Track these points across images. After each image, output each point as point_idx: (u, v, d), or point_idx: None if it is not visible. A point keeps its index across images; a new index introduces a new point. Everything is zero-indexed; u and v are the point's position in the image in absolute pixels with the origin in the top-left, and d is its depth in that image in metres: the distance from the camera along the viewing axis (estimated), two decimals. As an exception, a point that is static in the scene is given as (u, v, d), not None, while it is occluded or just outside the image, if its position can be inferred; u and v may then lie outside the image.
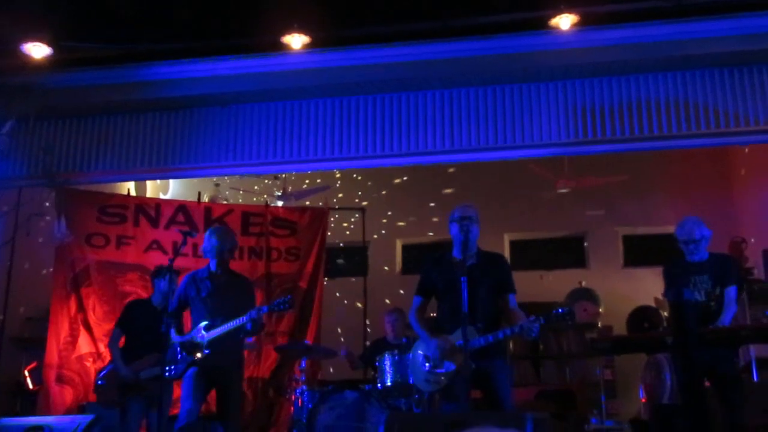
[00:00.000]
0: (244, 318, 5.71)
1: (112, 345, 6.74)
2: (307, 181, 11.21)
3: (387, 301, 9.55)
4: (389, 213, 11.09)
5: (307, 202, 10.60)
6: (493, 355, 5.13)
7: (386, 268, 11.00)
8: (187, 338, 5.89)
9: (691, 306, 5.75)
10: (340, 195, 11.00)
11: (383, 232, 11.05)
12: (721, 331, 5.44)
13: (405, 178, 10.85)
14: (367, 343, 8.58)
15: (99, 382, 6.68)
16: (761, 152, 8.80)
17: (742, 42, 6.38)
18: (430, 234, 10.81)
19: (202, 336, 5.82)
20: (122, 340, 6.70)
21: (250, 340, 7.17)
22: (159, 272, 6.73)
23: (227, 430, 5.78)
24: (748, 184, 9.75)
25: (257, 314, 5.71)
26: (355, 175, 11.16)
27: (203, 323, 5.87)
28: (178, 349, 5.91)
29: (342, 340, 9.40)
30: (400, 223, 11.10)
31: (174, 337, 5.95)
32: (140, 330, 6.50)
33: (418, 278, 5.60)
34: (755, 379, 7.39)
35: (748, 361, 7.54)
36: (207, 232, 6.22)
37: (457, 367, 5.07)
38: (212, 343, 5.79)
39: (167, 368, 5.84)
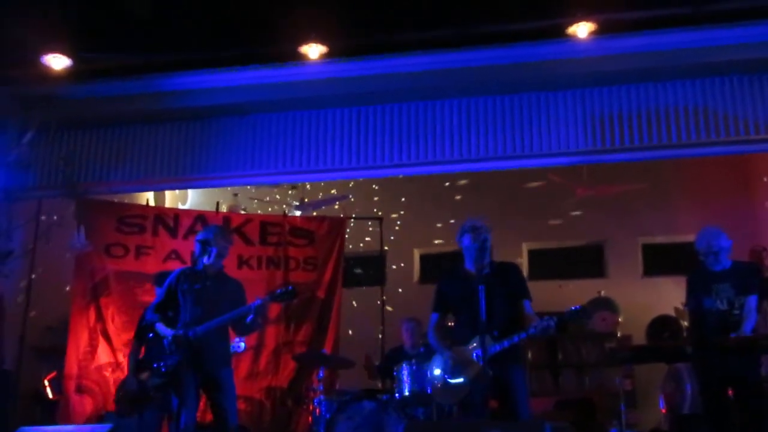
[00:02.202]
0: (245, 308, 5.64)
1: (130, 356, 6.76)
2: (332, 191, 11.21)
3: (405, 310, 9.52)
4: (407, 222, 11.07)
5: (325, 212, 10.61)
6: (510, 362, 5.12)
7: (404, 277, 10.97)
8: (179, 332, 5.64)
9: (711, 315, 5.74)
10: (358, 204, 10.99)
11: (401, 241, 11.03)
12: (741, 340, 5.41)
13: (422, 187, 10.82)
14: (385, 352, 8.56)
15: (118, 392, 6.71)
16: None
17: (762, 49, 6.37)
18: (448, 243, 10.78)
19: (195, 329, 5.59)
20: (143, 350, 6.72)
21: (240, 342, 7.09)
22: (160, 278, 6.72)
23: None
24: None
25: (259, 304, 5.62)
26: (373, 185, 11.14)
27: (192, 316, 5.66)
28: (168, 342, 5.68)
29: (360, 349, 9.38)
30: (418, 233, 11.07)
31: (163, 330, 5.76)
32: (156, 339, 6.50)
33: (434, 295, 5.60)
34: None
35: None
36: (205, 229, 6.15)
37: (470, 377, 5.07)
38: (204, 337, 5.60)
39: (156, 364, 5.78)
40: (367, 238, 10.90)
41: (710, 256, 5.86)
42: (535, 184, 10.24)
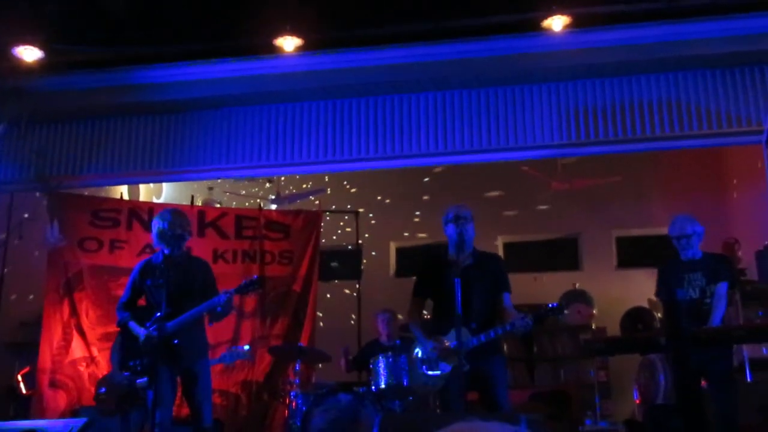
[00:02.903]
0: (213, 302, 5.59)
1: (113, 351, 6.72)
2: (304, 185, 11.20)
3: (381, 304, 9.55)
4: (383, 216, 11.09)
5: (301, 206, 10.60)
6: (488, 354, 5.16)
7: (380, 271, 11.00)
8: (151, 329, 5.57)
9: (684, 306, 5.80)
10: (334, 198, 10.99)
11: (377, 234, 11.05)
12: (714, 332, 5.47)
13: (398, 181, 10.83)
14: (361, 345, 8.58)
15: (101, 389, 6.66)
16: (754, 153, 8.83)
17: (735, 43, 6.42)
18: (424, 237, 10.82)
19: (165, 325, 5.46)
20: None
21: (230, 355, 7.11)
22: None
23: (204, 430, 5.64)
24: (741, 186, 9.77)
25: (226, 299, 5.57)
26: (348, 178, 11.16)
27: (164, 311, 5.47)
28: (141, 342, 5.61)
29: (336, 342, 9.40)
30: (394, 226, 11.10)
31: (136, 329, 5.68)
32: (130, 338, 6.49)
33: (414, 279, 5.62)
34: (749, 379, 7.42)
35: (741, 361, 7.56)
36: (157, 216, 5.88)
37: (452, 368, 5.09)
38: (177, 331, 5.55)
39: (132, 362, 5.74)
40: (343, 232, 10.92)
41: (683, 240, 5.93)
42: (510, 177, 10.28)
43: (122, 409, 6.36)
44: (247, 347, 7.29)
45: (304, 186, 11.18)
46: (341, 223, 10.94)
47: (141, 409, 6.34)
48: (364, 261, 10.96)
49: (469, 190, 10.29)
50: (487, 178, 10.40)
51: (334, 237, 10.92)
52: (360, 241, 10.09)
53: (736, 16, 6.28)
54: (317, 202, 10.08)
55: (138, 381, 6.23)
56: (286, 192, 10.93)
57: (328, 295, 10.34)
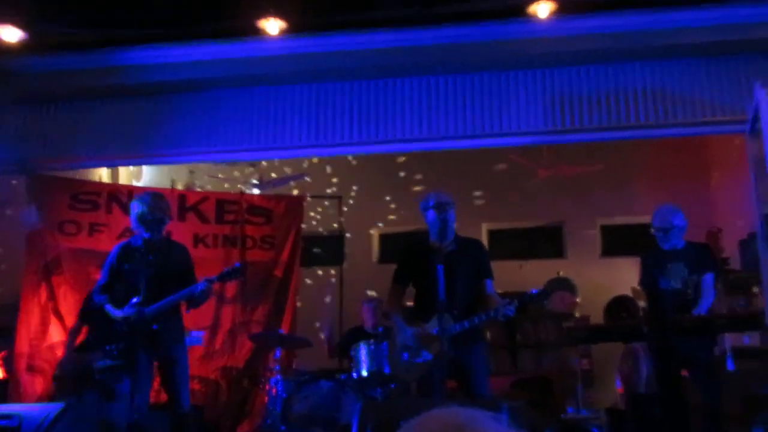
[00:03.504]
0: (192, 289, 5.58)
1: (70, 335, 6.73)
2: (287, 170, 11.18)
3: (364, 290, 9.57)
4: (366, 201, 11.09)
5: (283, 190, 10.58)
6: (470, 341, 5.18)
7: (363, 257, 11.01)
8: (128, 312, 5.52)
9: (667, 295, 5.84)
10: (317, 183, 10.98)
11: (360, 220, 11.05)
12: (697, 320, 5.52)
13: (382, 166, 10.83)
14: (344, 331, 8.60)
15: (57, 371, 6.66)
16: (738, 142, 8.88)
17: (721, 32, 6.45)
18: (408, 222, 10.82)
19: (143, 309, 5.45)
20: (84, 330, 6.69)
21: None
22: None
23: (181, 416, 5.63)
24: (725, 175, 9.84)
25: (206, 286, 5.56)
26: (331, 163, 11.14)
27: (141, 296, 5.47)
28: (119, 325, 5.58)
29: (318, 329, 9.42)
30: (377, 212, 11.10)
31: (113, 312, 5.65)
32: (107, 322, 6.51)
33: (395, 266, 5.63)
34: (730, 368, 7.48)
35: (723, 350, 7.63)
36: (137, 199, 5.87)
37: (434, 356, 5.11)
38: (156, 317, 5.54)
39: (109, 346, 5.70)
40: (325, 217, 10.91)
41: (660, 233, 5.96)
42: (495, 163, 10.31)
43: (78, 390, 6.36)
44: (201, 332, 7.25)
45: (287, 170, 11.15)
46: (323, 209, 10.93)
47: (95, 392, 6.34)
48: (348, 247, 10.97)
49: (453, 176, 10.30)
50: (472, 165, 10.40)
51: (317, 223, 10.92)
52: (343, 227, 10.08)
53: (723, 5, 6.31)
54: (299, 186, 10.08)
55: (98, 365, 6.23)
56: (269, 176, 10.90)
57: (311, 282, 10.35)
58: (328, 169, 11.16)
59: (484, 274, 5.42)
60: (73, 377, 6.40)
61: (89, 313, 6.57)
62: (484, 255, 5.54)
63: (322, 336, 7.79)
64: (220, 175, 10.99)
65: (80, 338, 6.90)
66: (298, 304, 8.84)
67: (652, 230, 6.06)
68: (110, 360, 5.77)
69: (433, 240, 5.42)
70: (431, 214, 5.34)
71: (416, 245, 5.63)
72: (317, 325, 9.45)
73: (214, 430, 8.00)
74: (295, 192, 10.42)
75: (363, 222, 11.11)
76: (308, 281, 10.33)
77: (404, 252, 5.76)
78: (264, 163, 10.81)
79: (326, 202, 10.65)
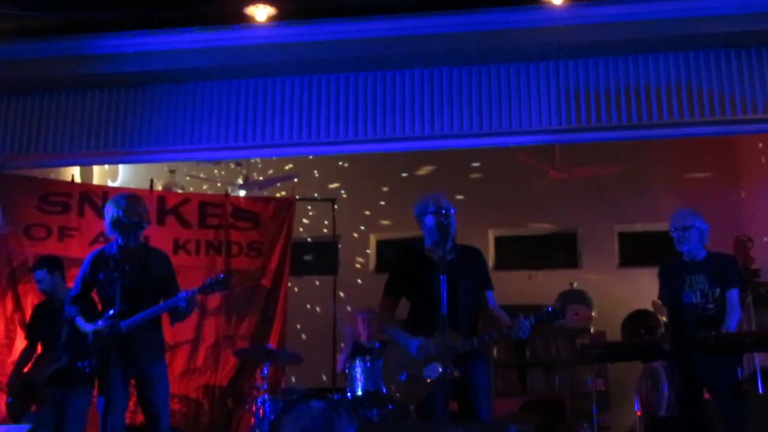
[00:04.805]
0: (171, 302, 5.55)
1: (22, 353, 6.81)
2: (271, 171, 11.16)
3: (360, 302, 9.53)
4: (363, 205, 11.06)
5: (272, 192, 10.57)
6: (473, 357, 5.14)
7: (358, 265, 10.98)
8: (101, 326, 5.45)
9: (690, 310, 5.81)
10: (309, 185, 10.95)
11: (356, 226, 11.02)
12: (723, 338, 5.48)
13: (380, 167, 10.81)
14: (342, 345, 8.55)
15: (8, 399, 6.66)
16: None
17: (754, 21, 6.39)
18: (408, 228, 10.78)
19: (118, 323, 5.37)
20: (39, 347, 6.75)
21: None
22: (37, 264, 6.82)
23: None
24: (756, 178, 9.81)
25: (187, 298, 5.51)
26: (325, 163, 11.11)
27: (117, 308, 5.39)
28: (91, 340, 5.50)
29: (308, 345, 9.38)
30: (375, 217, 11.08)
31: (84, 326, 5.60)
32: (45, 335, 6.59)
33: (388, 277, 5.57)
34: (760, 390, 7.45)
35: (753, 371, 7.60)
36: (111, 201, 5.80)
37: (437, 376, 5.05)
38: (132, 331, 5.47)
39: (80, 363, 5.66)
40: (318, 222, 10.88)
41: (679, 232, 5.93)
42: (504, 164, 10.28)
43: (26, 407, 6.45)
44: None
45: (275, 171, 11.12)
46: (315, 213, 10.89)
47: (50, 410, 6.33)
48: (342, 254, 10.94)
49: (458, 178, 10.29)
50: (478, 166, 10.39)
51: (311, 228, 10.89)
52: (337, 233, 10.05)
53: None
54: (289, 188, 10.04)
55: (42, 376, 6.31)
56: (256, 177, 10.87)
57: (302, 292, 10.32)
58: (322, 169, 11.14)
59: (485, 285, 5.38)
60: (19, 396, 6.41)
61: (38, 328, 6.67)
62: (484, 264, 5.50)
63: (342, 345, 7.76)
64: (202, 175, 10.97)
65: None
66: (292, 312, 8.82)
67: (671, 232, 6.03)
68: (53, 366, 5.78)
69: (428, 248, 5.37)
70: (430, 219, 5.28)
71: (411, 254, 5.56)
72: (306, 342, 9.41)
73: (195, 453, 7.99)
74: (286, 189, 10.39)
75: (360, 227, 11.08)
76: (301, 292, 10.30)
77: (398, 261, 5.71)
78: (254, 161, 10.79)
79: (321, 206, 10.60)
